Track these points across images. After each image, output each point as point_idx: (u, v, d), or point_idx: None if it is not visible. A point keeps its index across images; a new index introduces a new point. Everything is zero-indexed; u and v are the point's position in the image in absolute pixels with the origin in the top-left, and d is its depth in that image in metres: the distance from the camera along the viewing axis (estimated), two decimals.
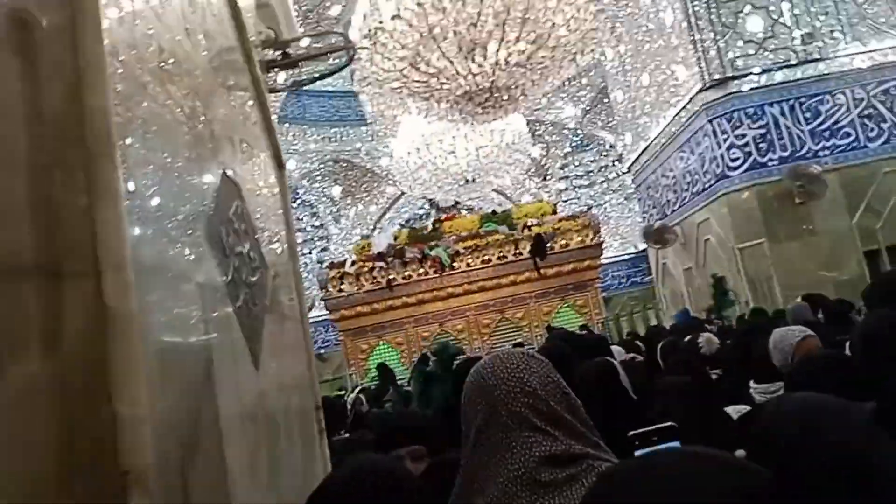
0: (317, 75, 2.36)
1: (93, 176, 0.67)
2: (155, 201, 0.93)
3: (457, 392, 1.36)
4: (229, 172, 1.34)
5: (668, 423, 1.03)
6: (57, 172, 0.66)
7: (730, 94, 8.09)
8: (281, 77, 2.56)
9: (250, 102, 1.74)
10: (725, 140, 8.13)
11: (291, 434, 1.60)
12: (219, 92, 1.42)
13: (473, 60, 4.74)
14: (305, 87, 18.77)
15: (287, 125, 18.42)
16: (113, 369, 0.65)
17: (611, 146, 18.90)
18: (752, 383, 3.01)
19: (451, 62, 4.73)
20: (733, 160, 8.07)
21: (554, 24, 4.46)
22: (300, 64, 2.20)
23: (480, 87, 4.75)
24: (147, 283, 0.81)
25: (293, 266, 1.92)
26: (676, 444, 1.04)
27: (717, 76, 8.13)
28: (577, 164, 20.04)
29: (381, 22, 4.50)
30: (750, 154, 7.99)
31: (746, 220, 8.02)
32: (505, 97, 4.93)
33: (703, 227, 8.86)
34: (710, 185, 8.44)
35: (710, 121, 8.24)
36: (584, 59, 5.25)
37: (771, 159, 7.95)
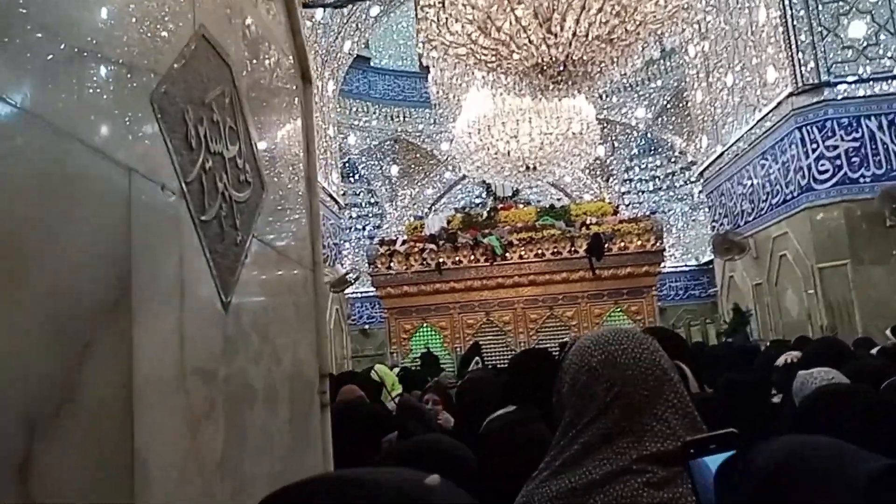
0: None
1: None
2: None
3: None
4: (211, 35, 0.99)
5: (728, 430, 0.91)
6: None
7: (823, 101, 7.41)
8: None
9: None
10: (815, 150, 7.46)
11: (275, 403, 1.25)
12: None
13: (549, 31, 4.32)
14: (372, 64, 18.57)
15: (351, 100, 18.32)
16: None
17: (680, 153, 18.12)
18: None
19: (525, 29, 4.32)
20: (821, 172, 7.41)
21: None
22: None
23: (554, 58, 4.32)
24: None
25: (311, 204, 1.58)
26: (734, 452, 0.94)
27: (811, 81, 7.46)
28: (642, 167, 19.32)
29: None
30: (840, 168, 7.32)
31: (830, 238, 7.35)
32: (580, 72, 4.49)
33: (779, 242, 8.21)
34: (793, 198, 7.79)
35: (800, 128, 7.59)
36: (669, 42, 4.76)
37: (863, 175, 7.25)
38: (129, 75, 0.77)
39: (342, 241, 18.43)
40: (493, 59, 4.66)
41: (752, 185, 8.89)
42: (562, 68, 4.42)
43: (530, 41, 4.40)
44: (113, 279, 0.70)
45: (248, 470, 1.05)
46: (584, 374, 1.13)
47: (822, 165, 7.41)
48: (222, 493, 0.95)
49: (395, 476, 0.52)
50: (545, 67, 4.47)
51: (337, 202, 11.27)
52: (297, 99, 1.54)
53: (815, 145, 7.46)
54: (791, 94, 7.58)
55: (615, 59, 4.54)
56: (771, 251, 8.43)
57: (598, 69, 4.60)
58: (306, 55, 1.57)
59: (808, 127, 7.50)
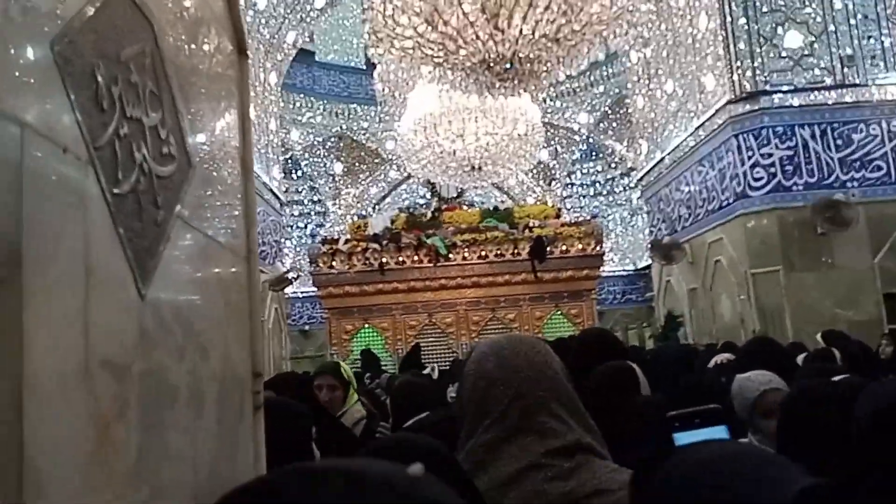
0: None
1: None
2: None
3: None
4: None
5: (713, 406, 0.92)
6: None
7: (760, 109, 7.65)
8: None
9: None
10: (750, 157, 7.69)
11: (201, 404, 1.12)
12: None
13: (497, 27, 4.28)
14: (317, 59, 18.26)
15: (294, 94, 17.98)
16: None
17: (620, 158, 18.50)
18: None
19: (472, 24, 4.27)
20: (756, 180, 7.64)
21: None
22: None
23: (501, 55, 4.29)
24: None
25: (246, 189, 1.45)
26: (722, 427, 0.97)
27: (748, 89, 7.68)
28: (584, 172, 19.64)
29: None
30: (774, 175, 7.56)
31: (763, 245, 7.58)
32: (526, 70, 4.47)
33: (714, 247, 8.42)
34: (728, 204, 8.00)
35: (736, 135, 7.80)
36: (613, 44, 4.80)
37: (796, 184, 7.51)
38: (24, 15, 0.65)
39: (283, 239, 18.05)
40: (440, 53, 4.59)
41: (689, 191, 9.11)
42: (508, 66, 4.39)
43: (477, 37, 4.36)
44: None
45: (167, 476, 0.93)
46: (483, 379, 1.18)
47: (756, 173, 7.64)
48: (137, 502, 0.83)
49: (375, 466, 0.46)
50: (492, 64, 4.43)
51: (278, 198, 11.00)
52: (230, 71, 1.42)
53: (750, 153, 7.68)
54: (729, 102, 7.78)
55: (561, 59, 4.54)
56: (706, 256, 8.64)
57: (545, 68, 4.59)
58: (241, 24, 1.45)
59: (745, 135, 7.72)
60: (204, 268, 1.17)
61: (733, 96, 7.73)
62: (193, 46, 1.18)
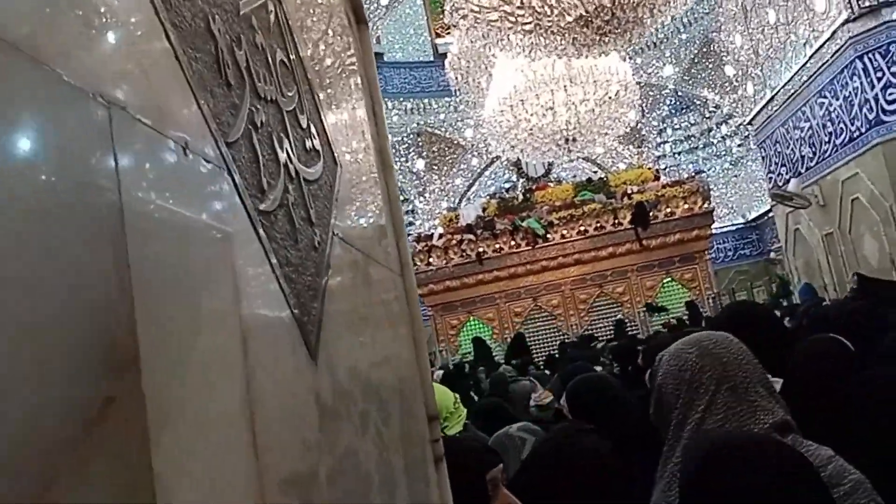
0: None
1: None
2: None
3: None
4: None
5: None
6: None
7: (884, 23, 6.77)
8: None
9: None
10: (881, 79, 6.82)
11: (392, 483, 0.83)
12: None
13: None
14: (386, 59, 18.26)
15: None
16: None
17: (715, 107, 17.35)
18: None
19: None
20: (891, 103, 6.77)
21: None
22: None
23: (601, 6, 3.85)
24: None
25: (388, 187, 1.16)
26: None
27: (867, 4, 6.82)
28: (675, 128, 18.59)
29: None
30: None
31: None
32: (629, 17, 4.01)
33: (849, 185, 7.57)
34: (861, 134, 7.15)
35: (860, 56, 6.95)
36: None
37: None
38: None
39: None
40: (530, 19, 4.20)
41: (810, 127, 8.25)
42: (609, 16, 3.96)
43: None
44: (98, 338, 0.28)
45: None
46: (687, 370, 1.24)
47: (890, 95, 6.77)
48: None
49: None
50: (591, 18, 4.01)
51: None
52: (352, 42, 1.12)
53: (880, 73, 6.82)
54: (846, 21, 6.93)
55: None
56: (841, 196, 7.79)
57: (649, 10, 4.11)
58: None
59: (871, 54, 6.86)
60: (369, 298, 0.88)
61: (851, 14, 6.88)
62: (311, 9, 0.89)
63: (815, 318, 3.86)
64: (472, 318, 13.60)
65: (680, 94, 17.75)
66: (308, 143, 0.69)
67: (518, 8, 4.17)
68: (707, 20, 13.72)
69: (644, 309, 12.62)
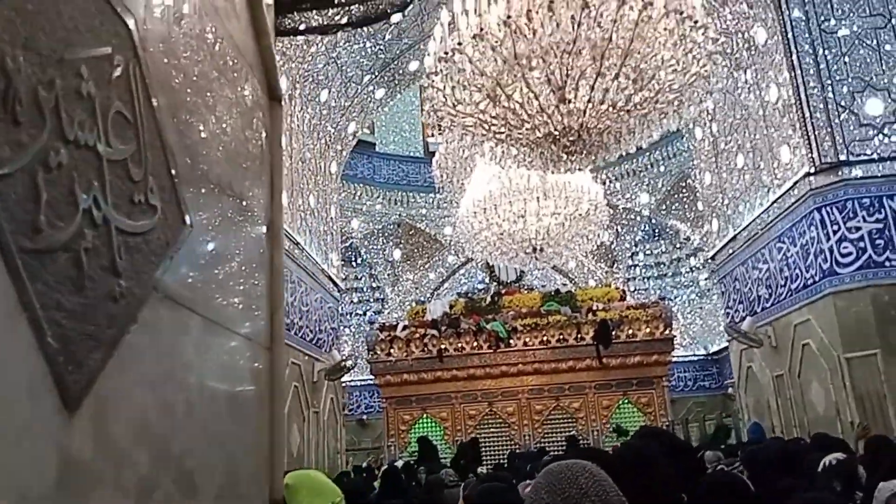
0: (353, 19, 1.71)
1: None
2: None
3: None
4: None
5: None
6: None
7: (843, 180, 7.14)
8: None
9: None
10: (836, 232, 7.12)
11: None
12: None
13: (563, 98, 4.06)
14: (377, 150, 18.79)
15: (355, 184, 18.36)
16: None
17: (685, 238, 17.89)
18: None
19: (537, 97, 4.07)
20: (844, 255, 7.04)
21: (663, 59, 3.74)
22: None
23: (568, 127, 4.04)
24: None
25: (272, 261, 1.17)
26: None
27: (828, 160, 7.22)
28: (647, 253, 19.04)
29: (459, 43, 3.90)
30: (865, 250, 6.95)
31: (857, 326, 6.89)
32: (595, 142, 4.20)
33: (801, 330, 7.73)
34: (815, 283, 7.38)
35: (819, 209, 7.28)
36: (688, 114, 4.51)
37: (889, 259, 6.87)
38: None
39: (341, 326, 17.93)
40: (503, 129, 4.39)
41: (768, 269, 8.51)
42: (575, 137, 4.14)
43: (542, 110, 4.14)
44: None
45: None
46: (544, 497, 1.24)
47: (844, 248, 7.05)
48: None
49: None
50: (558, 137, 4.19)
51: (336, 285, 10.89)
52: (259, 117, 1.15)
53: (836, 227, 7.13)
54: (808, 174, 7.31)
55: (632, 129, 4.27)
56: (792, 340, 7.94)
57: (614, 138, 4.32)
58: (275, 67, 1.21)
59: (828, 207, 7.20)
60: (199, 363, 0.86)
61: (812, 168, 7.27)
62: (208, 79, 0.92)
63: (746, 458, 3.86)
64: (425, 415, 13.32)
65: (654, 221, 18.31)
66: (137, 197, 0.70)
67: (492, 117, 4.36)
68: (685, 157, 14.40)
69: (612, 429, 12.51)
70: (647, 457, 1.94)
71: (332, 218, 10.99)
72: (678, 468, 2.02)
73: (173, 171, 0.79)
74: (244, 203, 1.04)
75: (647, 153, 17.17)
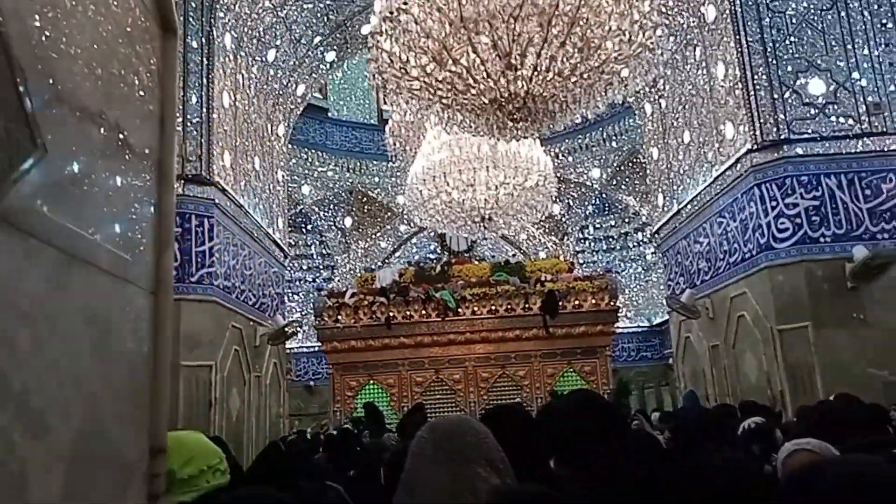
0: None
1: None
2: None
3: None
4: None
5: None
6: None
7: (783, 157, 7.32)
8: None
9: None
10: (774, 208, 7.31)
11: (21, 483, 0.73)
12: None
13: (509, 65, 4.01)
14: (331, 116, 18.41)
15: (307, 150, 18.04)
16: None
17: (634, 213, 18.22)
18: None
19: (483, 62, 4.01)
20: (781, 231, 7.24)
21: (610, 28, 3.72)
22: None
23: (514, 94, 4.01)
24: None
25: (161, 201, 1.10)
26: None
27: (770, 138, 7.38)
28: (596, 227, 19.35)
29: (405, 2, 3.80)
30: (800, 226, 7.16)
31: (790, 299, 7.13)
32: (541, 109, 4.18)
33: (737, 302, 7.97)
34: (752, 256, 7.59)
35: (759, 185, 7.46)
36: (634, 85, 4.51)
37: (824, 235, 7.10)
38: None
39: (289, 293, 17.72)
40: (449, 93, 4.32)
41: (708, 243, 8.72)
42: (521, 104, 4.10)
43: (488, 75, 4.09)
44: None
45: None
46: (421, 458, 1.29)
47: (781, 224, 7.26)
48: None
49: None
50: (504, 103, 4.15)
51: (283, 251, 10.71)
52: (145, 46, 1.07)
53: (774, 203, 7.32)
54: (750, 151, 7.47)
55: (577, 98, 4.26)
56: (729, 312, 8.18)
57: (560, 107, 4.30)
58: (172, 5, 1.12)
59: (768, 184, 7.37)
60: (52, 299, 0.79)
61: (754, 145, 7.42)
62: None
63: (673, 424, 3.98)
64: (372, 381, 13.33)
65: (604, 196, 18.55)
66: None
67: (438, 81, 4.28)
68: (636, 132, 14.56)
69: (549, 393, 12.73)
70: (562, 411, 2.04)
71: (279, 182, 10.76)
72: (599, 425, 2.07)
73: (21, 88, 0.72)
74: (121, 134, 0.97)
75: (600, 128, 17.33)
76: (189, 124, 7.67)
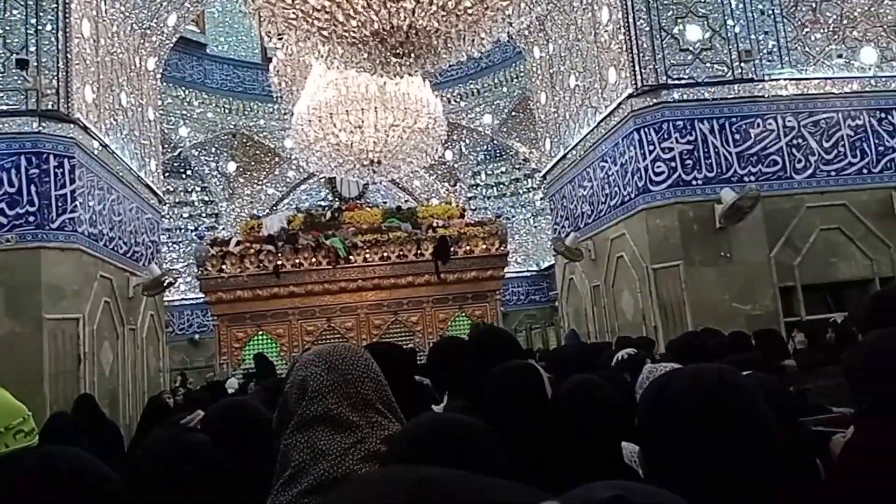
0: None
1: None
2: None
3: None
4: None
5: None
6: None
7: (661, 103, 7.54)
8: None
9: None
10: (651, 152, 7.57)
11: None
12: None
13: None
14: (209, 52, 17.20)
15: (184, 88, 16.82)
16: None
17: (524, 160, 18.48)
18: None
19: None
20: (657, 174, 7.52)
21: None
22: None
23: (396, 27, 3.80)
24: None
25: None
26: None
27: (650, 83, 7.57)
28: (488, 173, 19.52)
29: None
30: (675, 170, 7.47)
31: (664, 240, 7.47)
32: (424, 44, 4.00)
33: (616, 243, 8.27)
34: (630, 199, 7.86)
35: (638, 130, 7.67)
36: (518, 23, 4.41)
37: (696, 178, 7.45)
38: None
39: (169, 242, 16.75)
40: (328, 23, 4.03)
41: (592, 187, 8.95)
42: (404, 38, 3.90)
43: (369, 5, 3.84)
44: None
45: None
46: (310, 382, 1.28)
47: (658, 167, 7.53)
48: None
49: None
50: (386, 37, 3.93)
51: (157, 196, 10.01)
52: None
53: (651, 147, 7.56)
54: (630, 96, 7.64)
55: (462, 34, 4.10)
56: (609, 253, 8.49)
57: (444, 43, 4.13)
58: None
59: (646, 129, 7.60)
60: None
61: (635, 90, 7.60)
62: None
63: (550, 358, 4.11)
64: (260, 332, 12.96)
65: (496, 142, 18.66)
66: None
67: (315, 10, 3.98)
68: (527, 79, 14.60)
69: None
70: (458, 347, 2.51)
71: (150, 121, 9.96)
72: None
73: None
74: None
75: (492, 73, 17.27)
76: (44, 55, 6.88)
